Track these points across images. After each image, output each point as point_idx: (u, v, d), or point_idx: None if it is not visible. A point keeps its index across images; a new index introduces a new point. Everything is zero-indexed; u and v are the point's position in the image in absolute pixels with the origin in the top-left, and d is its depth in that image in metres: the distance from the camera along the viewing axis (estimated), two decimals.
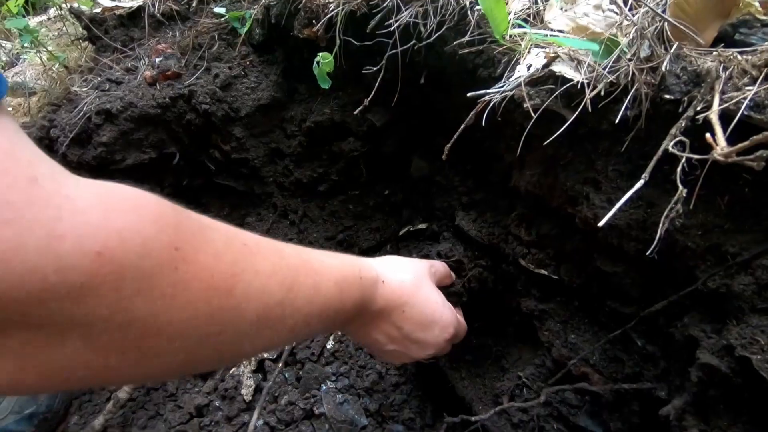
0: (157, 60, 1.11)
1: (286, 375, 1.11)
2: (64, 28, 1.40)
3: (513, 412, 0.80)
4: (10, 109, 1.29)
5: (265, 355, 1.13)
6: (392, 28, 0.76)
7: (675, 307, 0.57)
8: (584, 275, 0.70)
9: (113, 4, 1.22)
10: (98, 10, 1.20)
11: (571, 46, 0.51)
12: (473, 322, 0.80)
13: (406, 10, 0.76)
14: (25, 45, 1.28)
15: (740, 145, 0.37)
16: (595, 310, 0.71)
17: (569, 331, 0.73)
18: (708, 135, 0.40)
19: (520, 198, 0.76)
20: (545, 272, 0.73)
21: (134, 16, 1.21)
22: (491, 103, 0.59)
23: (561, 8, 0.55)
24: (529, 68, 0.58)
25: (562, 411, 0.74)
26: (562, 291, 0.75)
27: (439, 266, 0.73)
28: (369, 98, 0.82)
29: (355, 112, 0.86)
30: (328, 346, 1.12)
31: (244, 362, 1.14)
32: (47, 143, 1.06)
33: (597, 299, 0.69)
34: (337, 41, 0.86)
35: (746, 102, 0.44)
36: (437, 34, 0.74)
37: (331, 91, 1.00)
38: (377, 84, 0.82)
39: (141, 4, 1.21)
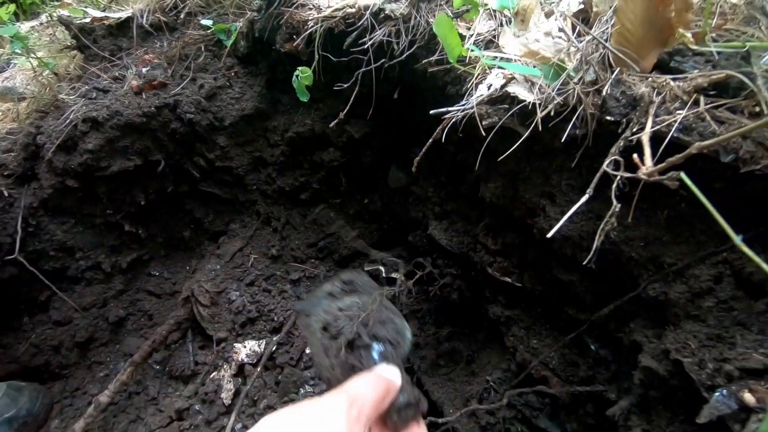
0: (144, 69, 1.14)
1: (266, 379, 1.13)
2: (55, 34, 1.43)
3: (481, 415, 0.83)
4: None
5: (245, 359, 1.15)
6: (366, 46, 0.80)
7: (623, 313, 0.61)
8: (545, 283, 0.73)
9: (102, 14, 1.25)
10: (87, 19, 1.23)
11: (517, 72, 0.54)
12: (445, 328, 0.84)
13: (380, 28, 0.80)
14: (16, 51, 1.31)
15: (660, 165, 0.41)
16: (555, 316, 0.75)
17: (532, 336, 0.77)
18: (635, 155, 0.44)
19: (487, 208, 0.80)
20: (509, 280, 0.77)
21: (123, 26, 1.24)
22: (454, 120, 0.63)
23: (514, 34, 0.59)
24: (489, 88, 0.62)
25: (526, 413, 0.77)
26: (525, 298, 0.79)
27: (366, 397, 0.42)
28: (344, 112, 0.85)
29: (331, 125, 0.89)
30: (307, 351, 1.14)
31: (225, 366, 1.16)
32: (33, 149, 1.09)
33: (556, 306, 0.73)
34: (316, 56, 0.89)
35: (676, 125, 0.48)
36: (409, 52, 0.78)
37: (312, 103, 1.03)
38: (353, 98, 0.86)
39: (130, 14, 1.24)
